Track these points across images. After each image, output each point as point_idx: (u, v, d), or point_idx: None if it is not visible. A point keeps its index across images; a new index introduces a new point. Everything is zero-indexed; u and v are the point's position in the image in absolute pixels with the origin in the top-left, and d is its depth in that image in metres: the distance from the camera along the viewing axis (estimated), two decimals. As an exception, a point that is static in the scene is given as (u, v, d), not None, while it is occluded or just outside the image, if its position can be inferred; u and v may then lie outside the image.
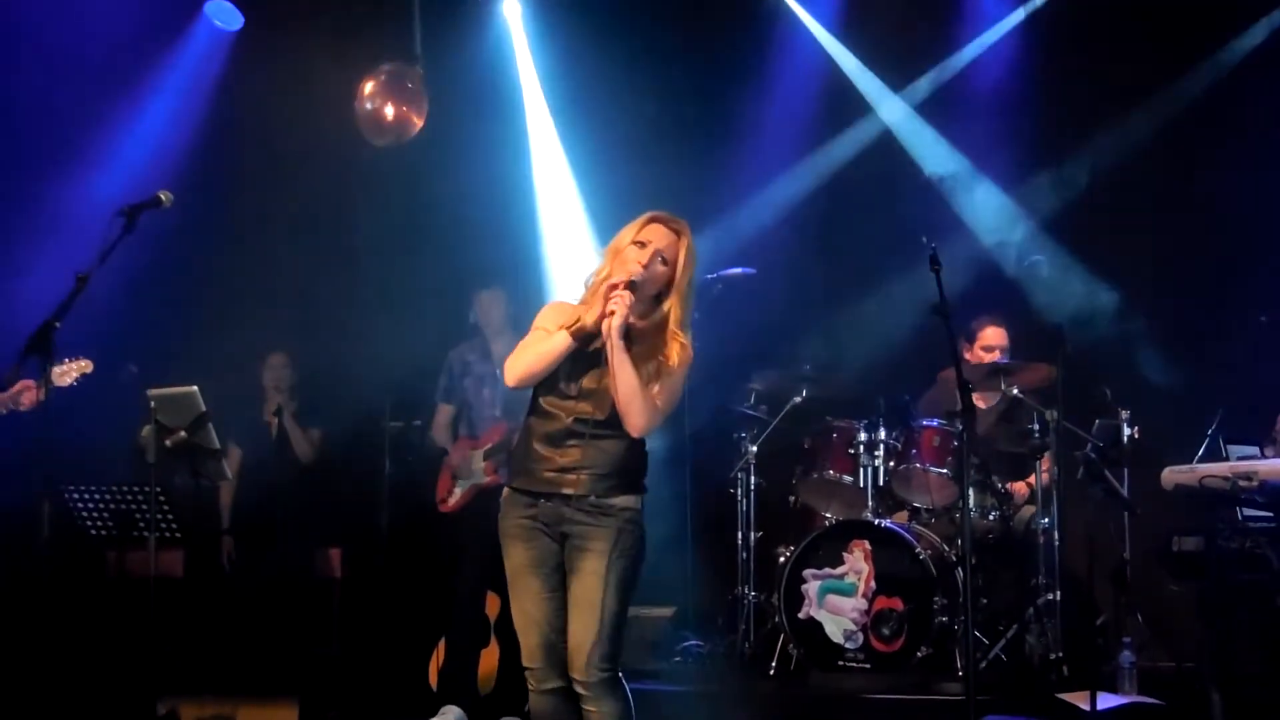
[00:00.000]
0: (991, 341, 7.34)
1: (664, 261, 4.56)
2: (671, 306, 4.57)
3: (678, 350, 4.54)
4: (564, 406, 4.54)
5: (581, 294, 4.69)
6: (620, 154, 8.46)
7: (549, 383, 4.56)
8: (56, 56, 7.98)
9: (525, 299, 7.20)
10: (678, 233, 4.60)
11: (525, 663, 4.56)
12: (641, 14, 8.57)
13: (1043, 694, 6.30)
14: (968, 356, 7.27)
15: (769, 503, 7.59)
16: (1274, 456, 6.26)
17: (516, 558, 4.57)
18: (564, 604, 4.53)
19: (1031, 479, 7.13)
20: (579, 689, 4.47)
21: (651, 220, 4.61)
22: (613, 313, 4.43)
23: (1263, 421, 6.61)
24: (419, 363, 7.70)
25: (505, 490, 4.65)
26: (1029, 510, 7.12)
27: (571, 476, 4.50)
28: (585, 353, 4.56)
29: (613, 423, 4.52)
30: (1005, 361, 7.21)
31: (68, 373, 6.15)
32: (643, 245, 4.56)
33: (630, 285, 4.47)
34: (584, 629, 4.45)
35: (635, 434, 4.52)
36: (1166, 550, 6.15)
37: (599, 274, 4.62)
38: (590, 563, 4.48)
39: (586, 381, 4.54)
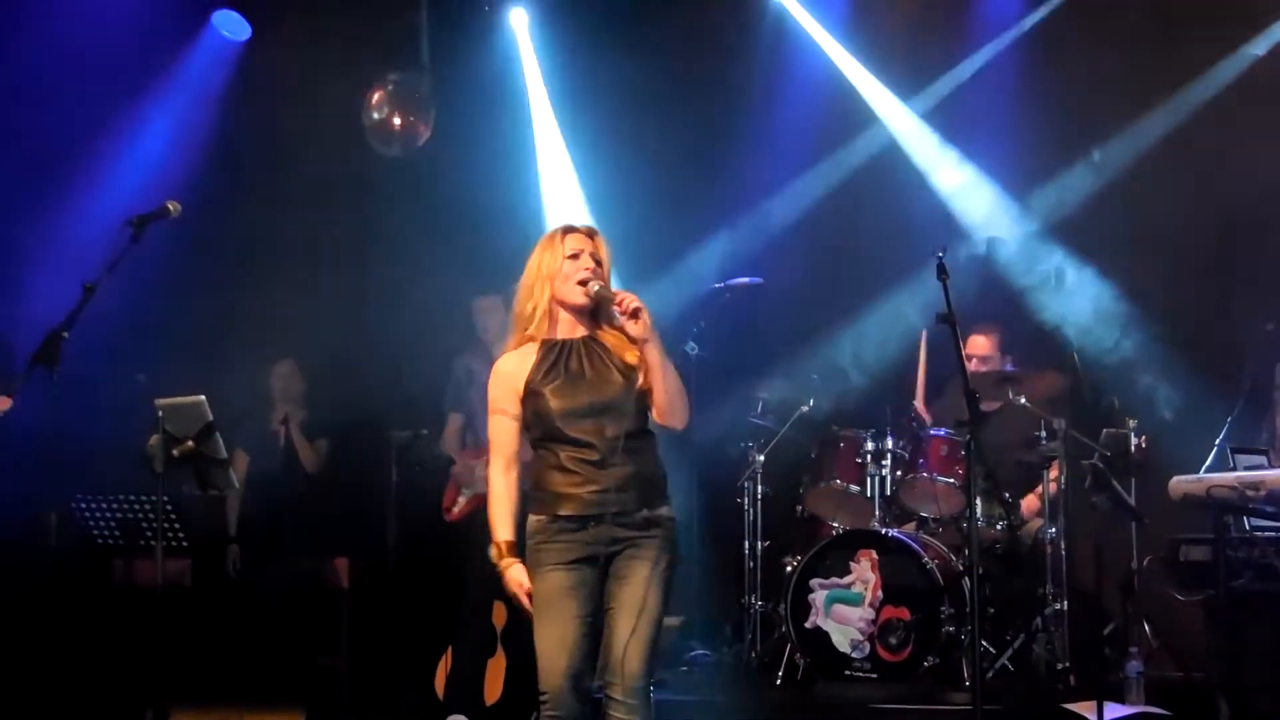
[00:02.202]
0: (973, 350, 7.24)
1: (597, 264, 4.60)
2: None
3: (619, 340, 4.58)
4: (592, 427, 4.48)
5: (511, 338, 4.67)
6: (627, 163, 8.48)
7: (564, 411, 4.49)
8: (64, 68, 8.00)
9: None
10: (591, 234, 4.65)
11: (548, 685, 4.43)
12: (648, 23, 8.59)
13: (1050, 704, 6.29)
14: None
15: (776, 512, 7.59)
16: (1272, 456, 6.25)
17: (555, 582, 4.46)
18: (592, 630, 4.47)
19: (1040, 489, 7.10)
20: (616, 695, 4.39)
21: (567, 233, 4.63)
22: (637, 310, 4.41)
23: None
24: (427, 372, 7.71)
25: (533, 520, 4.55)
26: (1036, 521, 7.11)
27: (621, 495, 4.45)
28: (574, 373, 4.53)
29: (637, 432, 4.51)
30: (1011, 370, 7.20)
31: None
32: (577, 255, 4.58)
33: (607, 288, 4.52)
34: (633, 636, 4.39)
35: (680, 426, 4.54)
36: (1174, 560, 6.13)
37: (530, 304, 4.60)
38: (642, 570, 4.44)
39: (597, 396, 4.50)
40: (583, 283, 4.52)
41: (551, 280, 4.57)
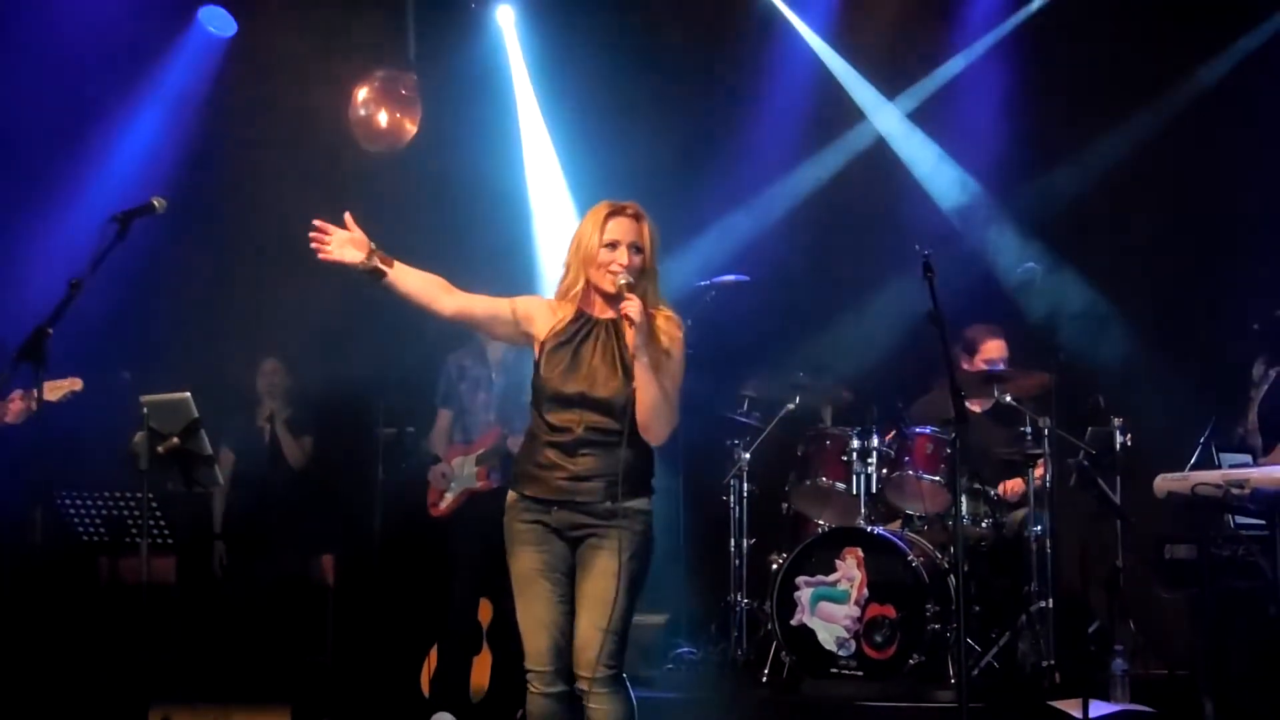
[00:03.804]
0: (993, 355, 7.26)
1: (637, 251, 4.60)
2: (646, 289, 4.59)
3: (664, 323, 4.59)
4: (574, 417, 4.53)
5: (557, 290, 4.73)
6: (614, 160, 8.46)
7: (555, 394, 4.55)
8: (50, 64, 7.98)
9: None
10: (637, 218, 4.63)
11: (531, 665, 4.52)
12: (635, 21, 8.58)
13: (1035, 701, 6.30)
14: (967, 368, 7.25)
15: (762, 510, 7.58)
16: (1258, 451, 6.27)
17: (527, 561, 4.54)
18: (572, 608, 4.53)
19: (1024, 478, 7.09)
20: (583, 687, 4.45)
21: (610, 216, 4.61)
22: (630, 319, 4.43)
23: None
24: (412, 369, 7.70)
25: (510, 495, 4.63)
26: (1021, 514, 7.11)
27: (586, 484, 4.51)
28: (580, 360, 4.57)
29: (622, 430, 4.52)
30: (1000, 369, 7.21)
31: (58, 388, 6.11)
32: (614, 245, 4.58)
33: (630, 288, 4.48)
34: (593, 625, 4.45)
35: (656, 443, 4.57)
36: (1159, 558, 6.15)
37: (567, 281, 4.65)
38: (604, 561, 4.48)
39: (590, 389, 4.54)
40: (612, 273, 4.55)
41: (586, 265, 4.60)
